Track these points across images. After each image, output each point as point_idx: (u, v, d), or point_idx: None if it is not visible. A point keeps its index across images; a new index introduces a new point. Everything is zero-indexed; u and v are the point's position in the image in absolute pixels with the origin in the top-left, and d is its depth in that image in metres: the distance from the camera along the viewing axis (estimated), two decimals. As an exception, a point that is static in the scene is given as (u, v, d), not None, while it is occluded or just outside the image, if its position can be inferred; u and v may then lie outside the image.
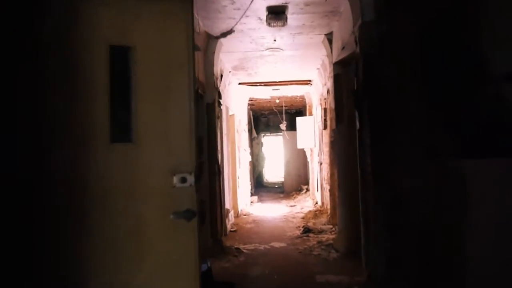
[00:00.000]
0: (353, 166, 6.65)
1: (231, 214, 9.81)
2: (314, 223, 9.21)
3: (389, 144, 4.28)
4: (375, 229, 4.54)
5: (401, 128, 4.11)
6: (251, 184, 16.12)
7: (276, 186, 19.67)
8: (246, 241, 8.17)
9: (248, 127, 16.70)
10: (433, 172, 3.48)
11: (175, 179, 2.35)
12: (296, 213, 11.62)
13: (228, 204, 9.24)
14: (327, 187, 10.02)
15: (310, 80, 11.62)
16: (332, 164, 8.73)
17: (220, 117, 7.50)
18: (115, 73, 2.23)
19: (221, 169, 7.32)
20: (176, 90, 2.33)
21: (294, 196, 15.21)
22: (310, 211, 10.82)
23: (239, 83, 11.48)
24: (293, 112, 18.59)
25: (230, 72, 9.77)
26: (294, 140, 15.09)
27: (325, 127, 10.03)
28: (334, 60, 6.93)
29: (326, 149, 10.19)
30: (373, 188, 4.48)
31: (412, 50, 4.05)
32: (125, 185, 2.25)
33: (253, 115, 18.60)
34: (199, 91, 6.54)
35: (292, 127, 16.94)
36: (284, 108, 15.69)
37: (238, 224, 9.99)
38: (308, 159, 14.28)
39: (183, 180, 2.37)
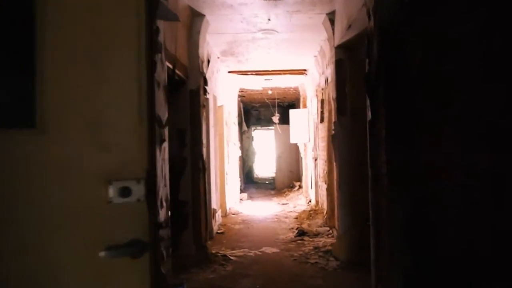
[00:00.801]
0: (357, 163, 5.84)
1: (218, 214, 8.98)
2: (309, 225, 8.40)
3: (412, 139, 3.46)
4: (390, 240, 3.73)
5: (430, 119, 3.28)
6: (240, 180, 15.28)
7: (267, 182, 18.86)
8: (234, 245, 7.34)
9: (238, 119, 15.84)
10: (481, 172, 2.66)
11: (112, 191, 1.44)
12: (289, 212, 10.81)
13: (215, 203, 8.40)
14: (323, 185, 9.21)
15: (305, 70, 10.78)
16: (330, 160, 7.91)
17: (206, 106, 6.64)
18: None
19: (206, 165, 6.47)
20: (116, 46, 1.44)
21: (286, 193, 14.40)
22: (304, 210, 10.01)
23: (229, 72, 10.61)
24: (286, 105, 17.76)
25: (218, 58, 8.89)
26: (286, 134, 14.26)
27: (321, 120, 9.21)
28: (337, 43, 6.09)
29: (322, 144, 9.38)
30: (389, 192, 3.67)
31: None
32: (19, 200, 1.36)
33: (243, 108, 17.74)
34: (181, 75, 5.67)
35: (284, 120, 16.10)
36: (276, 100, 14.85)
37: (226, 225, 9.15)
38: (302, 155, 13.47)
39: (126, 192, 1.44)
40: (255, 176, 20.60)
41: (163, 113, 4.04)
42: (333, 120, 7.06)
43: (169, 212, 4.41)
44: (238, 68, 10.17)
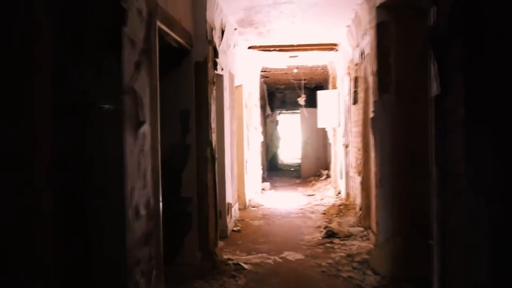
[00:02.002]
0: (404, 154, 4.60)
1: (235, 209, 7.86)
2: (339, 223, 7.20)
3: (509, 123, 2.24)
4: (468, 269, 2.54)
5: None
6: (263, 168, 14.14)
7: (292, 169, 17.67)
8: (251, 247, 6.22)
9: (261, 102, 14.64)
10: None
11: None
12: (316, 205, 9.62)
13: (230, 197, 7.28)
14: (355, 176, 7.98)
15: (335, 45, 9.46)
16: (365, 149, 6.67)
17: (215, 83, 5.47)
18: None
19: (215, 154, 5.32)
20: None
21: (312, 182, 13.19)
22: (333, 205, 8.79)
23: (249, 47, 9.39)
24: (313, 86, 16.43)
25: (235, 29, 7.68)
26: (313, 118, 13.00)
27: (354, 102, 7.94)
28: (379, 1, 4.82)
29: (355, 129, 8.12)
30: (469, 199, 2.45)
31: None
32: None
33: (267, 90, 16.52)
34: (182, 42, 4.51)
35: (311, 103, 14.81)
36: (303, 81, 13.55)
37: (243, 220, 8.04)
38: (330, 141, 12.20)
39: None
40: (279, 162, 19.44)
41: (141, 85, 2.90)
42: (371, 100, 5.81)
43: (158, 221, 3.29)
44: (259, 42, 8.94)
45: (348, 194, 9.17)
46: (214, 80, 5.41)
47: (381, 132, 4.92)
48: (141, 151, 2.85)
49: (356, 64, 7.54)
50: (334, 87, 11.56)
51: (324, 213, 8.49)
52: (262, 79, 14.49)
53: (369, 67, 6.07)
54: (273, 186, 12.65)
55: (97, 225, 2.53)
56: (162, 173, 4.91)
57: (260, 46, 9.36)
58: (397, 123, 4.70)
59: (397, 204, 4.66)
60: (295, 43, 9.21)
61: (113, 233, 2.54)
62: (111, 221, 2.55)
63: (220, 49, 6.54)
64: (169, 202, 4.85)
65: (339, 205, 8.65)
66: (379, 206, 5.06)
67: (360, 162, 7.39)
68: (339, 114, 10.86)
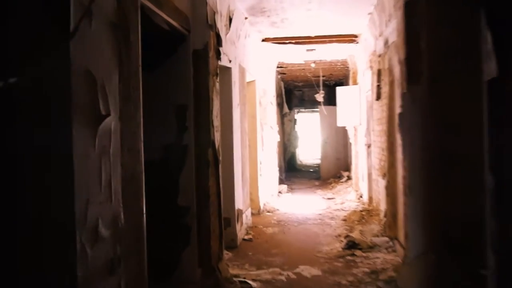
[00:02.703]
0: (439, 157, 3.88)
1: (247, 215, 7.20)
2: (361, 232, 6.48)
3: None
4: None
5: None
6: (280, 169, 13.45)
7: (311, 170, 16.93)
8: (262, 260, 5.56)
9: (278, 100, 13.96)
10: None
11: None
12: (335, 210, 8.89)
13: (241, 203, 6.63)
14: (379, 180, 7.24)
15: (356, 36, 8.73)
16: (390, 149, 5.94)
17: (218, 75, 4.80)
18: None
19: (219, 156, 4.66)
20: None
21: (332, 184, 12.44)
22: (354, 210, 8.05)
23: (263, 40, 8.73)
24: (333, 83, 15.68)
25: (246, 19, 7.02)
26: (333, 117, 12.26)
27: (378, 97, 7.20)
28: (408, -24, 4.10)
29: (378, 127, 7.39)
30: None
31: None
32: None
33: (284, 87, 15.81)
34: (176, 25, 3.86)
35: (331, 101, 14.08)
36: (321, 78, 12.80)
37: (256, 227, 7.37)
38: (351, 140, 11.44)
39: None
40: (298, 163, 18.71)
41: (103, 67, 2.26)
42: (398, 93, 5.09)
43: (136, 240, 2.66)
44: (273, 34, 8.27)
45: (370, 198, 8.43)
46: (217, 71, 4.75)
47: (410, 131, 4.19)
48: (104, 153, 2.21)
49: (379, 56, 6.81)
50: (355, 83, 10.81)
51: (344, 220, 7.77)
52: (279, 76, 13.81)
53: (395, 57, 5.34)
54: (290, 189, 11.94)
55: (32, 256, 1.90)
56: (155, 178, 4.29)
57: (274, 39, 8.69)
58: (430, 120, 3.96)
59: (431, 215, 3.93)
60: (312, 35, 8.51)
61: (57, 265, 1.91)
62: (53, 249, 1.91)
63: (227, 39, 5.89)
64: (163, 212, 4.23)
65: (361, 211, 7.91)
66: (408, 217, 4.33)
67: (384, 164, 6.65)
68: (360, 111, 10.11)
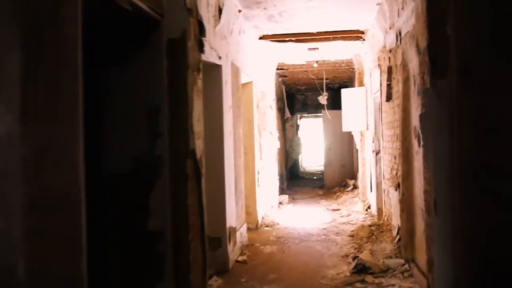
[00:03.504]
0: (473, 168, 3.08)
1: (241, 232, 6.39)
2: (371, 252, 5.66)
3: None
4: None
5: None
6: (282, 177, 12.65)
7: (315, 178, 16.11)
8: (256, 288, 4.75)
9: (279, 104, 13.20)
10: None
11: None
12: (342, 224, 8.07)
13: (233, 219, 5.83)
14: (390, 190, 6.43)
15: (362, 32, 7.95)
16: (406, 156, 5.12)
17: (200, 71, 4.00)
18: None
19: (201, 168, 3.86)
20: None
21: (337, 194, 11.62)
22: (362, 225, 7.21)
23: (260, 38, 7.96)
24: (337, 86, 14.89)
25: (240, 11, 6.25)
26: (338, 121, 11.47)
27: (388, 98, 6.40)
28: None
29: (388, 132, 6.59)
30: None
31: None
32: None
33: (286, 91, 15.03)
34: (141, 6, 3.08)
35: (335, 105, 13.28)
36: (325, 81, 11.99)
37: (253, 246, 6.56)
38: (357, 146, 10.62)
39: None
40: (301, 170, 17.91)
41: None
42: (414, 91, 4.31)
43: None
44: (270, 29, 7.49)
45: (380, 210, 7.61)
46: (200, 66, 3.97)
47: (435, 135, 3.40)
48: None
49: (391, 50, 6.02)
50: (361, 85, 10.02)
51: (351, 236, 6.94)
52: (280, 79, 13.03)
53: (411, 49, 4.55)
54: (292, 199, 11.12)
55: None
56: (119, 197, 3.51)
57: (273, 36, 7.92)
58: (461, 121, 3.15)
59: (465, 241, 3.11)
60: (314, 31, 7.73)
61: None
62: None
63: (216, 32, 5.12)
64: (129, 238, 3.43)
65: (370, 226, 7.09)
66: (434, 240, 3.52)
67: (397, 173, 5.85)
68: (367, 115, 9.32)
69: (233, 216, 5.78)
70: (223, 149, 5.37)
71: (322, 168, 15.21)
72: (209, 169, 5.10)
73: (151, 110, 3.46)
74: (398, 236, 5.75)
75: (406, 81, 4.98)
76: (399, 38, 5.32)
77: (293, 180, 15.20)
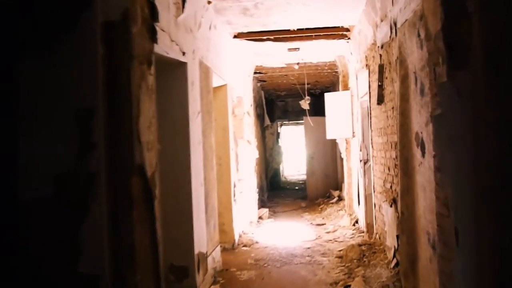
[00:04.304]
0: (508, 184, 2.29)
1: (214, 257, 5.54)
2: (364, 278, 4.87)
3: None
4: None
5: None
6: (262, 189, 11.84)
7: (297, 188, 15.33)
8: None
9: (258, 111, 12.41)
10: None
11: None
12: (327, 241, 7.28)
13: (203, 243, 4.97)
14: (383, 205, 5.66)
15: (347, 30, 7.23)
16: (405, 168, 4.34)
17: (151, 64, 3.18)
18: None
19: (153, 188, 3.02)
20: None
21: (321, 206, 10.83)
22: (352, 245, 6.38)
23: (235, 36, 7.17)
24: (319, 92, 14.18)
25: (209, 3, 5.44)
26: (320, 128, 10.75)
27: (379, 101, 5.65)
28: None
29: (380, 139, 5.84)
30: None
31: None
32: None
33: (266, 97, 14.27)
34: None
35: (317, 112, 12.54)
36: (306, 83, 11.24)
37: (227, 271, 5.72)
38: (343, 155, 9.87)
39: None
40: (283, 180, 17.13)
41: None
42: (416, 92, 3.55)
43: None
44: (246, 26, 6.67)
45: (370, 227, 6.84)
46: (151, 59, 3.14)
47: (454, 142, 2.62)
48: None
49: (382, 46, 5.28)
50: (346, 88, 9.28)
51: (340, 257, 6.13)
52: (259, 84, 12.25)
53: (411, 41, 3.80)
54: (273, 212, 10.29)
55: None
56: (39, 229, 2.64)
57: (248, 34, 7.13)
58: (490, 124, 2.38)
59: (502, 285, 2.33)
60: (294, 28, 6.98)
61: None
62: None
63: (179, 22, 4.30)
64: (53, 285, 2.56)
65: (360, 245, 6.28)
66: (455, 280, 2.73)
67: (391, 187, 5.09)
68: (353, 121, 8.58)
69: (203, 239, 4.93)
70: (189, 161, 4.52)
71: (304, 177, 14.45)
72: (171, 187, 4.27)
73: (81, 114, 2.61)
74: (394, 260, 4.97)
75: (404, 79, 4.22)
76: (394, 30, 4.58)
77: (274, 191, 14.39)
